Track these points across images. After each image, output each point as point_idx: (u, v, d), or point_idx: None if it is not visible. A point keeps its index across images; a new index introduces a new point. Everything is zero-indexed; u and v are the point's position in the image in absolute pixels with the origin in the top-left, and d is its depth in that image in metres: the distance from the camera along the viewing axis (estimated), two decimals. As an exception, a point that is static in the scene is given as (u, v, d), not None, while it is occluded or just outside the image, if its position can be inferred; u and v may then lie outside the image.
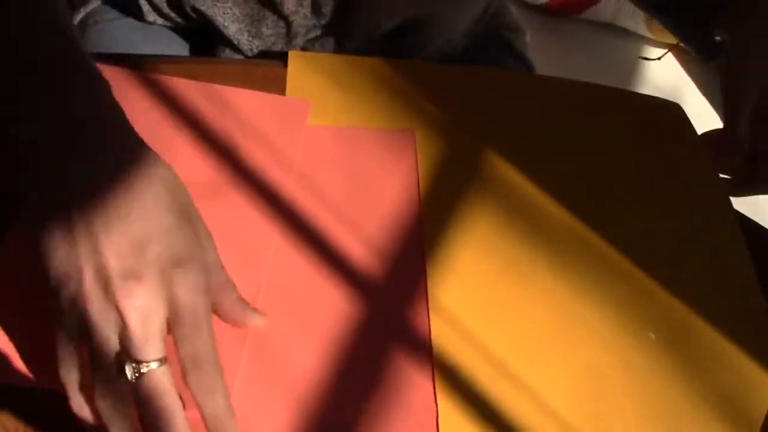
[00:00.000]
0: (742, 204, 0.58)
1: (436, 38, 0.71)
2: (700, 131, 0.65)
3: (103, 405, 0.37)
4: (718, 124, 0.62)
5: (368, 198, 0.53)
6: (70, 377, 0.38)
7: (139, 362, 0.36)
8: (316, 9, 0.64)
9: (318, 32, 0.67)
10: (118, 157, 0.40)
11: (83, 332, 0.37)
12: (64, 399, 0.40)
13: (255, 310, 0.44)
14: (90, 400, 0.38)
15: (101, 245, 0.37)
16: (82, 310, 0.36)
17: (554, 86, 0.63)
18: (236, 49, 0.68)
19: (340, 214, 0.52)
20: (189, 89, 0.56)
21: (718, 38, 0.62)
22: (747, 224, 0.57)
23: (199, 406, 0.38)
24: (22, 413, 0.42)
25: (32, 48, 0.42)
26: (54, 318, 0.38)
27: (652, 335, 0.49)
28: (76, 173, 0.39)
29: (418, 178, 0.54)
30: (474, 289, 0.49)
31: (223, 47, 0.68)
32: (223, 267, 0.42)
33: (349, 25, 0.67)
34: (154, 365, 0.36)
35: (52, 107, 0.41)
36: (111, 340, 0.36)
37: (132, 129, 0.42)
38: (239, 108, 0.56)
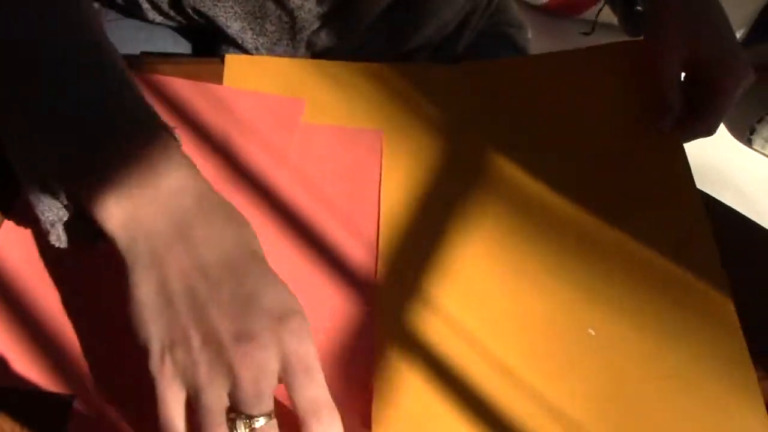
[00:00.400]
0: (742, 205, 0.58)
1: (427, 23, 0.70)
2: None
3: None
4: (720, 124, 0.62)
5: (332, 195, 0.53)
6: None
7: (250, 417, 0.36)
8: None
9: (320, 23, 0.67)
10: (202, 207, 0.40)
11: (192, 394, 0.37)
12: (62, 400, 0.39)
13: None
14: None
15: (208, 307, 0.37)
16: (193, 375, 0.36)
17: (516, 68, 0.63)
18: (240, 47, 0.68)
19: (334, 210, 0.52)
20: (186, 89, 0.56)
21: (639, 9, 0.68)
22: (747, 225, 0.57)
23: None
24: (18, 414, 0.42)
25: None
26: (154, 380, 0.37)
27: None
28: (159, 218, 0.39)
29: (381, 179, 0.55)
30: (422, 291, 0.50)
31: (227, 46, 0.68)
32: None
33: (351, 11, 0.66)
34: (263, 420, 0.37)
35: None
36: (222, 398, 0.36)
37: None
38: (235, 107, 0.56)
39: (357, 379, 0.45)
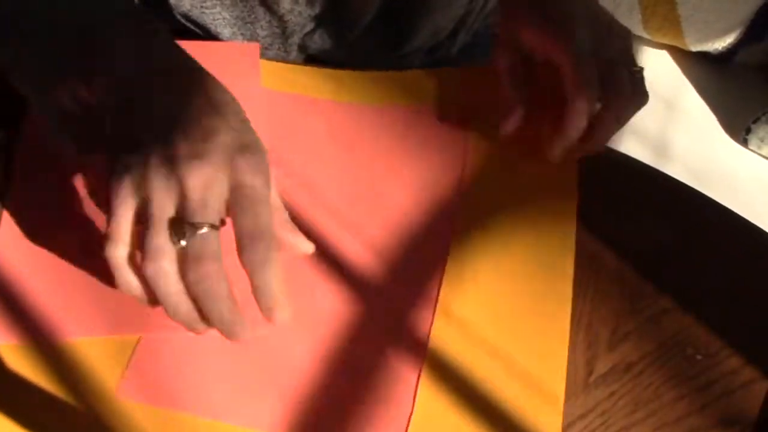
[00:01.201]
0: (737, 204, 0.58)
1: (421, 28, 0.70)
2: (695, 132, 0.64)
3: (152, 268, 0.38)
4: (715, 125, 0.62)
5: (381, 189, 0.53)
6: (117, 252, 0.39)
7: (193, 225, 0.38)
8: (310, 0, 0.64)
9: (312, 26, 0.67)
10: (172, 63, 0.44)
11: (142, 207, 0.39)
12: (58, 399, 0.39)
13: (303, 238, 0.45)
14: (136, 271, 0.40)
15: (172, 132, 0.40)
16: (145, 188, 0.39)
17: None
18: None
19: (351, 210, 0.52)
20: None
21: None
22: (742, 224, 0.57)
23: (251, 281, 0.39)
24: (16, 414, 0.42)
25: None
26: (106, 199, 0.40)
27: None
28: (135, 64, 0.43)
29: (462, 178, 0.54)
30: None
31: None
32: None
33: (341, 14, 0.66)
34: (206, 229, 0.38)
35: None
36: (168, 207, 0.39)
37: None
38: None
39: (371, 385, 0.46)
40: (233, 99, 0.43)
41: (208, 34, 0.65)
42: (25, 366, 0.44)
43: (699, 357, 0.50)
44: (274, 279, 0.39)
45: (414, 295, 0.49)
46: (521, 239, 0.52)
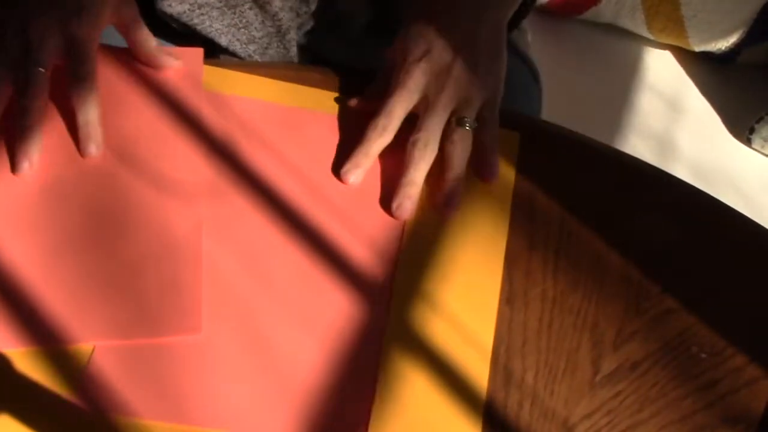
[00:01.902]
0: (741, 204, 0.59)
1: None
2: (699, 132, 0.65)
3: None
4: (719, 124, 0.62)
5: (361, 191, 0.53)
6: None
7: (32, 61, 0.51)
8: None
9: (311, 24, 0.67)
10: None
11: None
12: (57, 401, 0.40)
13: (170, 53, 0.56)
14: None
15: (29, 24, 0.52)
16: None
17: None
18: (235, 55, 0.68)
19: (335, 207, 0.52)
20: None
21: None
22: (746, 224, 0.57)
23: (75, 114, 0.51)
24: (16, 415, 0.42)
25: None
26: None
27: None
28: None
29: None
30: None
31: (221, 53, 0.68)
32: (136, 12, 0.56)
33: (333, 9, 0.66)
34: (39, 69, 0.50)
35: None
36: (15, 49, 0.51)
37: None
38: (138, 66, 0.57)
39: (360, 380, 0.46)
40: None
41: (210, 43, 0.66)
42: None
43: (704, 356, 0.50)
44: (92, 114, 0.51)
45: (375, 259, 0.51)
46: (461, 217, 0.53)
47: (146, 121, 0.54)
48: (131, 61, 0.57)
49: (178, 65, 0.56)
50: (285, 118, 0.56)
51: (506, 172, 0.56)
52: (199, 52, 0.59)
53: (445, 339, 0.48)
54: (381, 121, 0.53)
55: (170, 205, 0.50)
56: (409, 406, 0.45)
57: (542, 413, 0.46)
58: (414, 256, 0.51)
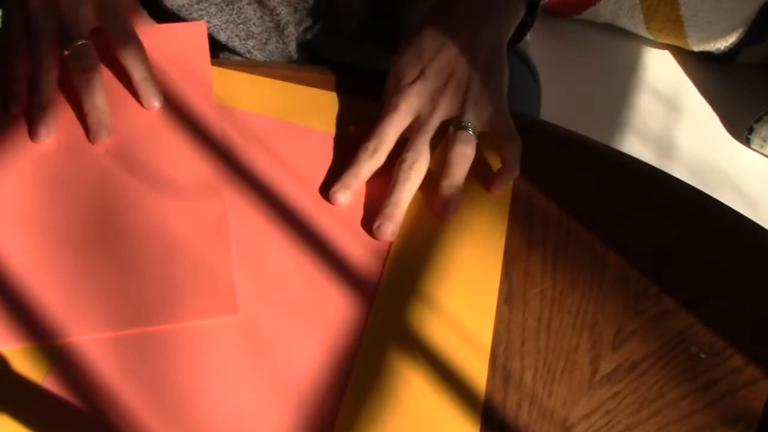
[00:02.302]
0: (740, 204, 0.59)
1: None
2: (698, 132, 0.65)
3: (36, 73, 0.51)
4: (718, 124, 0.62)
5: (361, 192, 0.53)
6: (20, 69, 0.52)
7: (71, 39, 0.52)
8: None
9: (309, 21, 0.67)
10: None
11: (27, 24, 0.52)
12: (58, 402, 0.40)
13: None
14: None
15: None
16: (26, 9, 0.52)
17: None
18: (234, 51, 0.68)
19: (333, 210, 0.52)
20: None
21: None
22: (745, 224, 0.57)
23: (129, 73, 0.53)
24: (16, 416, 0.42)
25: None
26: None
27: None
28: None
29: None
30: None
31: (220, 50, 0.69)
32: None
33: (331, 6, 0.66)
34: (81, 41, 0.52)
35: None
36: (52, 27, 0.52)
37: None
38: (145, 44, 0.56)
39: (357, 380, 0.46)
40: None
41: (209, 39, 0.66)
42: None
43: (703, 356, 0.50)
44: (150, 71, 0.53)
45: (365, 253, 0.51)
46: (459, 216, 0.53)
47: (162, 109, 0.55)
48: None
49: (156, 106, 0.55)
50: (281, 132, 0.56)
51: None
52: (202, 26, 0.59)
53: (444, 339, 0.48)
54: (372, 144, 0.53)
55: (193, 192, 0.51)
56: (408, 405, 0.45)
57: (541, 413, 0.46)
58: (412, 256, 0.51)
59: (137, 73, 0.53)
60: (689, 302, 0.52)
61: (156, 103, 0.54)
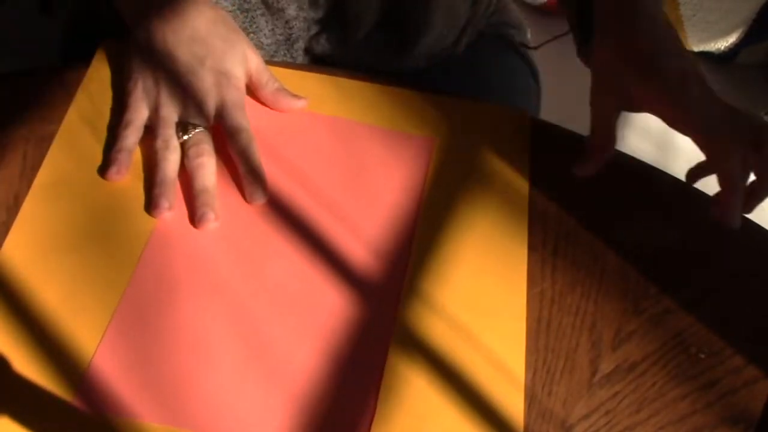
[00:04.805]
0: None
1: (425, 33, 0.70)
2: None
3: (163, 152, 0.52)
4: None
5: (368, 196, 0.53)
6: (129, 140, 0.53)
7: (192, 125, 0.53)
8: (313, 2, 0.64)
9: (317, 29, 0.67)
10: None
11: (153, 109, 0.53)
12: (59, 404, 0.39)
13: (295, 96, 0.57)
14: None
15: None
16: (154, 98, 0.53)
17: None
18: None
19: (338, 212, 0.52)
20: (319, 123, 0.57)
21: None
22: (749, 225, 0.57)
23: (238, 164, 0.52)
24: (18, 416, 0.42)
25: None
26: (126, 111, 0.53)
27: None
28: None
29: (424, 186, 0.54)
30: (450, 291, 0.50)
31: None
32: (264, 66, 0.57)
33: (345, 16, 0.66)
34: (201, 129, 0.53)
35: None
36: (174, 114, 0.53)
37: None
38: (369, 143, 0.56)
39: (364, 381, 0.46)
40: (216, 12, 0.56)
41: None
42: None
43: (702, 356, 0.50)
44: (257, 161, 0.52)
45: (384, 278, 0.50)
46: (479, 230, 0.53)
47: None
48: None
49: (302, 105, 0.57)
50: (288, 122, 0.57)
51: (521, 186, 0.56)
52: (430, 141, 0.57)
53: (448, 343, 0.48)
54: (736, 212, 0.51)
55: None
56: (409, 406, 0.45)
57: (540, 413, 0.46)
58: (424, 263, 0.51)
59: (245, 164, 0.52)
60: (689, 302, 0.52)
61: (258, 199, 0.52)
